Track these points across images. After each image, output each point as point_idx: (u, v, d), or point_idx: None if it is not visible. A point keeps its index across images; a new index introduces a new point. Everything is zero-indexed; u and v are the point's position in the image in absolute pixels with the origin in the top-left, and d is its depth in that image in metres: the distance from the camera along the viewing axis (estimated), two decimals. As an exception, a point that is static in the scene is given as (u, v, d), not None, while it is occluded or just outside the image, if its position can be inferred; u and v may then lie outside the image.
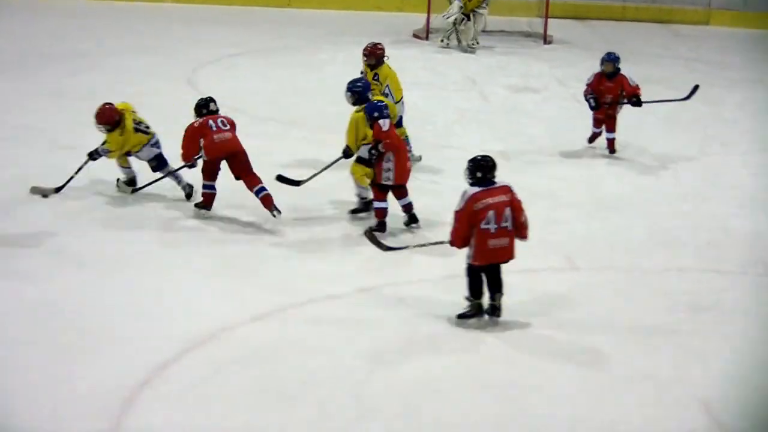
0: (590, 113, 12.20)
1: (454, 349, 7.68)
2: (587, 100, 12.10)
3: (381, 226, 9.67)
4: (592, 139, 12.37)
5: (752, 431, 6.78)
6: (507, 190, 7.85)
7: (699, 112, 13.66)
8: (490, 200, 7.75)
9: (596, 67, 12.14)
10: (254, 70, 16.12)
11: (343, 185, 10.33)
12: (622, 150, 12.23)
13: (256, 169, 9.96)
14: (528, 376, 7.32)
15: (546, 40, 18.69)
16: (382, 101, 9.93)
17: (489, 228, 7.73)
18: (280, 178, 10.18)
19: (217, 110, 10.08)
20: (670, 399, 7.09)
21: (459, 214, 7.79)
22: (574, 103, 12.61)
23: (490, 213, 7.72)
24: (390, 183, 9.61)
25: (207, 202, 10.05)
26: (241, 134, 10.03)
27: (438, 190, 10.74)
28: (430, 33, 18.55)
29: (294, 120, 13.31)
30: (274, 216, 9.82)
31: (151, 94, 13.61)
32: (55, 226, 9.61)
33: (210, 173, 9.99)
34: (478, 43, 17.90)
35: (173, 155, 10.24)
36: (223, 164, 9.94)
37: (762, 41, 19.39)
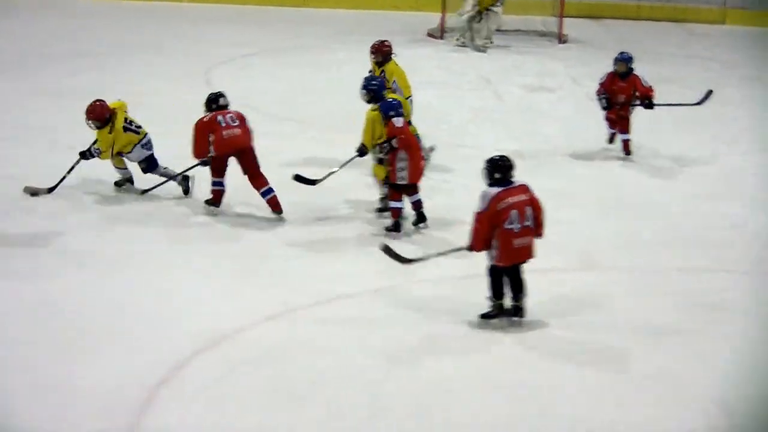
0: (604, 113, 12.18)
1: (467, 349, 7.66)
2: (599, 99, 12.07)
3: (396, 226, 9.68)
4: (611, 139, 12.32)
5: (754, 432, 6.80)
6: (525, 189, 7.86)
7: (713, 112, 13.61)
8: (511, 200, 7.75)
9: (611, 67, 12.11)
10: (268, 70, 16.16)
11: (358, 184, 10.33)
12: (635, 150, 12.18)
13: (269, 168, 9.97)
14: (536, 376, 7.31)
15: (561, 39, 18.66)
16: (397, 100, 9.94)
17: (513, 228, 7.72)
18: (298, 178, 10.16)
19: (227, 105, 10.05)
20: (670, 399, 7.08)
21: (481, 216, 7.76)
22: (590, 103, 12.57)
23: (513, 212, 7.72)
24: (404, 182, 9.62)
25: (216, 199, 10.05)
26: (254, 132, 10.05)
27: (451, 189, 10.75)
28: (445, 32, 18.54)
29: (307, 119, 13.32)
30: (279, 216, 9.88)
31: (151, 94, 13.64)
32: (55, 226, 9.63)
33: (218, 170, 9.97)
34: (492, 42, 17.88)
35: (173, 155, 10.28)
36: (232, 161, 9.94)
37: (778, 40, 19.35)
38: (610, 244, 9.70)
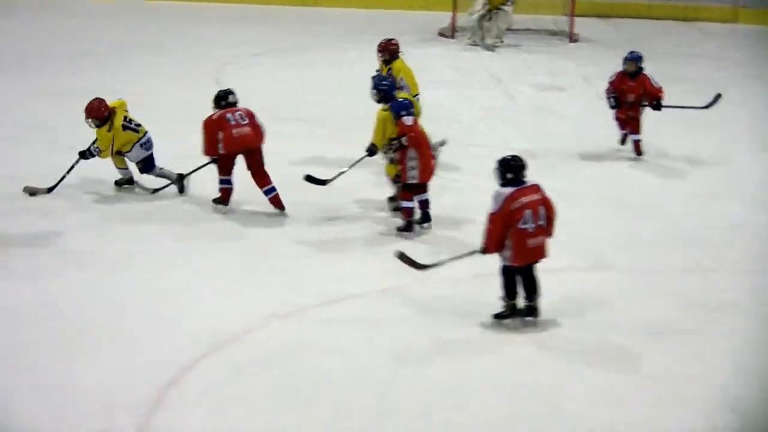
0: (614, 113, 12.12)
1: (475, 350, 7.63)
2: (608, 98, 12.02)
3: (408, 226, 9.65)
4: (623, 140, 12.24)
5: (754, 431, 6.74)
6: (537, 188, 7.84)
7: (723, 111, 13.53)
8: (524, 199, 7.72)
9: (621, 66, 12.05)
10: (277, 69, 16.14)
11: (368, 184, 10.29)
12: (645, 151, 12.11)
13: (279, 168, 9.95)
14: (536, 376, 7.29)
15: (572, 38, 18.62)
16: (408, 99, 9.92)
17: (527, 227, 7.70)
18: (309, 178, 10.12)
19: (236, 102, 10.02)
20: (670, 399, 7.04)
21: (495, 216, 7.72)
22: (600, 102, 12.52)
23: (527, 212, 7.69)
24: (415, 181, 9.59)
25: (224, 198, 10.02)
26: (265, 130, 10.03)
27: (461, 188, 10.73)
28: (456, 31, 18.52)
29: (317, 119, 13.30)
30: (282, 213, 9.89)
31: (151, 94, 13.63)
32: (56, 226, 9.61)
33: (226, 168, 9.94)
34: (502, 41, 17.86)
35: (173, 155, 10.27)
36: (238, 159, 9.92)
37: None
38: (610, 244, 9.66)
